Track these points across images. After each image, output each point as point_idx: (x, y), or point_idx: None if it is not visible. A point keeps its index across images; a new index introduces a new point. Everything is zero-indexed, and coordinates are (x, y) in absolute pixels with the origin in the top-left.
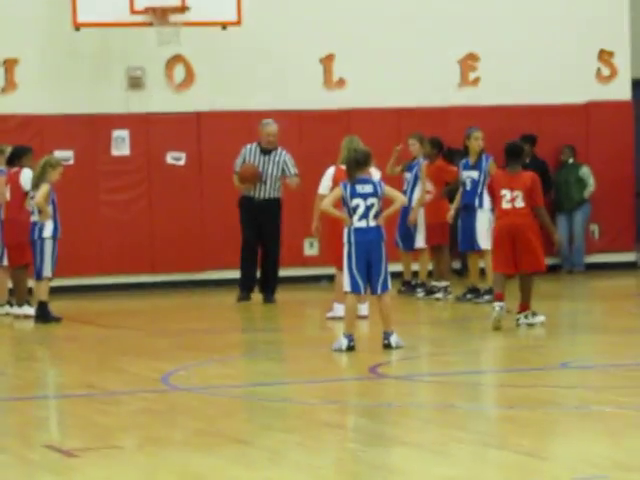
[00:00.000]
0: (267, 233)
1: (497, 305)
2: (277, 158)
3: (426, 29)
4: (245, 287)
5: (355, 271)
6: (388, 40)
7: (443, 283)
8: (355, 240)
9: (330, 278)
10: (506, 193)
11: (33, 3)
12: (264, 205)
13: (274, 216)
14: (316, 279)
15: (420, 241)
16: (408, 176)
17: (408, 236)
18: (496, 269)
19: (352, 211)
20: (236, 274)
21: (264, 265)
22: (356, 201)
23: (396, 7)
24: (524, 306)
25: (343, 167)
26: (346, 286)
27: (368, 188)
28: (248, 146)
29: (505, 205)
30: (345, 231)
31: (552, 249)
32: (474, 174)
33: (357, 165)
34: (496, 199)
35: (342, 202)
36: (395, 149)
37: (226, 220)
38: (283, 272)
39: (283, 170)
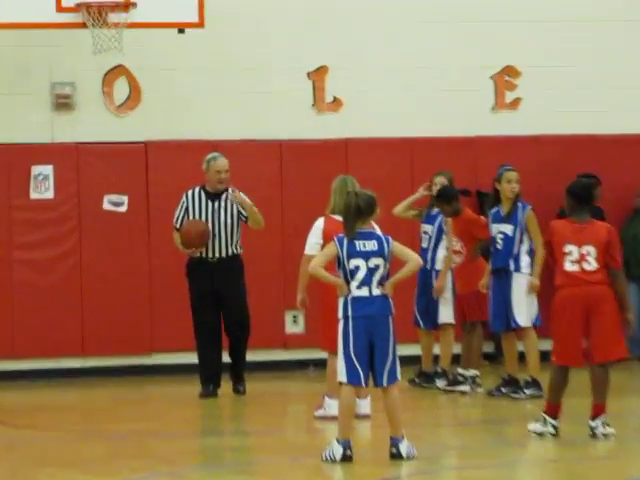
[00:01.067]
0: (229, 303)
1: (550, 423)
2: (228, 202)
3: (449, 34)
4: (208, 379)
5: (353, 355)
6: (397, 49)
7: (471, 372)
8: (353, 314)
9: (320, 364)
10: (572, 250)
11: None
12: (220, 267)
13: (235, 279)
14: (302, 365)
15: (446, 316)
16: (428, 229)
17: (429, 310)
18: (558, 361)
19: (350, 275)
20: (194, 358)
21: (230, 344)
22: (355, 262)
23: (408, 7)
24: (599, 408)
25: (335, 217)
26: (341, 375)
27: (371, 245)
28: (189, 192)
29: (570, 267)
30: (340, 302)
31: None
32: (507, 228)
33: (358, 214)
34: (557, 259)
35: (337, 263)
36: (420, 191)
37: (181, 286)
38: (258, 355)
39: (239, 215)
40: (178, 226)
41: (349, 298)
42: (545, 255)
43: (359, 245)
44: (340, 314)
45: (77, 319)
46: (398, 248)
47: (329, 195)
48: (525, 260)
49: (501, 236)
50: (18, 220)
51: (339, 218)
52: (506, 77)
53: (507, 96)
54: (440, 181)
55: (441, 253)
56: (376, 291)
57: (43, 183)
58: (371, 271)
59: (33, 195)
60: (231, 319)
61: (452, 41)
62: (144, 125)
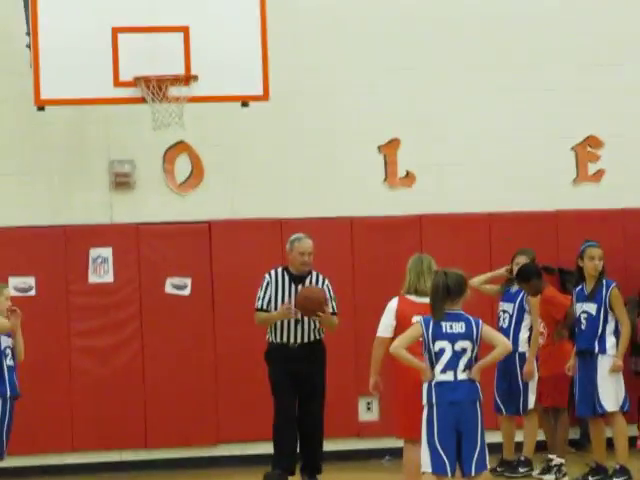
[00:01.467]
0: (308, 391)
1: None
2: (312, 286)
3: (527, 104)
4: (281, 465)
5: (438, 444)
6: (472, 119)
7: (557, 460)
8: (438, 400)
9: (395, 453)
10: None
11: None
12: (303, 353)
13: (317, 366)
14: (377, 454)
15: (531, 401)
16: (508, 307)
17: (511, 395)
18: None
19: (434, 358)
20: (261, 449)
21: (304, 435)
22: (440, 344)
23: (484, 77)
24: None
25: (410, 297)
26: (425, 465)
27: (459, 327)
28: (272, 272)
29: None
30: (424, 387)
31: None
32: (591, 307)
33: (447, 294)
34: None
35: (423, 346)
36: (501, 271)
37: (248, 373)
38: (330, 445)
39: None
40: (260, 307)
41: (433, 383)
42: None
43: (445, 327)
44: (424, 400)
45: (139, 409)
46: (488, 331)
47: (403, 274)
48: (611, 341)
49: (585, 316)
50: (76, 305)
51: (413, 298)
52: (588, 148)
53: (590, 168)
54: (520, 261)
55: (524, 334)
56: (462, 375)
57: (102, 266)
58: (457, 354)
59: (92, 279)
60: (311, 407)
61: (531, 111)
62: (207, 204)
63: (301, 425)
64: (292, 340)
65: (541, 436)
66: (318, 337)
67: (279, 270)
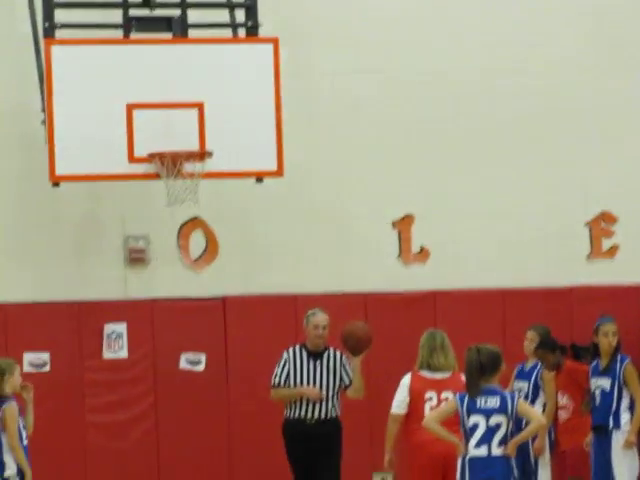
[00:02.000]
0: (324, 466)
1: None
2: (331, 362)
3: (539, 179)
4: None
5: None
6: (486, 196)
7: None
8: (471, 476)
9: None
10: None
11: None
12: (320, 429)
13: (333, 443)
14: None
15: (545, 476)
16: (523, 385)
17: (525, 470)
18: None
19: (469, 433)
20: None
21: None
22: (475, 419)
23: (499, 154)
24: None
25: (422, 373)
26: None
27: (493, 402)
28: (290, 349)
29: None
30: (459, 463)
31: None
32: (605, 382)
33: (481, 371)
34: None
35: (460, 422)
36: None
37: (262, 450)
38: None
39: (341, 378)
40: (277, 384)
41: (467, 459)
42: None
43: (480, 402)
44: (458, 476)
45: None
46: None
47: (417, 350)
48: (625, 417)
49: (599, 391)
50: (90, 381)
51: (426, 374)
52: (602, 224)
53: (604, 243)
54: (531, 336)
55: (538, 410)
56: (496, 451)
57: (117, 342)
58: (491, 430)
59: (106, 355)
60: None
61: (544, 186)
62: (222, 280)
63: None
64: (309, 416)
65: None
66: (334, 414)
67: (297, 347)
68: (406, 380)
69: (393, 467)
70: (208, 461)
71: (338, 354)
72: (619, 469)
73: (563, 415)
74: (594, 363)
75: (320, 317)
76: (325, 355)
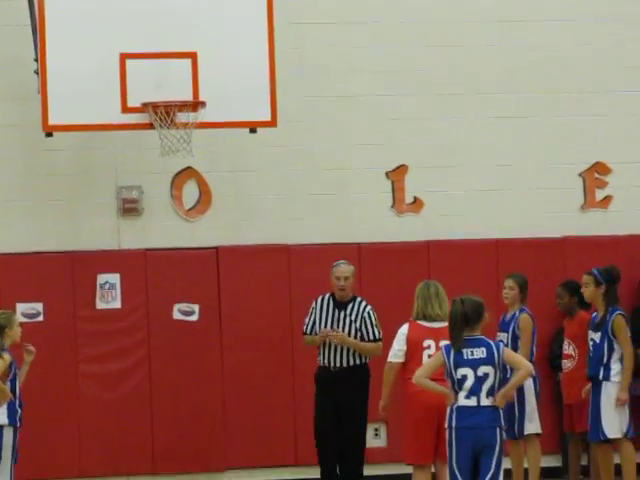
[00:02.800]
0: (347, 414)
1: None
2: (354, 312)
3: (533, 131)
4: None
5: (455, 467)
6: (480, 146)
7: None
8: (457, 424)
9: (404, 479)
10: None
11: None
12: (343, 376)
13: (358, 390)
14: None
15: (531, 426)
16: (503, 336)
17: (510, 419)
18: None
19: (457, 385)
20: (270, 475)
21: (343, 456)
22: (463, 371)
23: (488, 105)
24: None
25: (420, 323)
26: None
27: (480, 352)
28: (319, 298)
29: None
30: (447, 412)
31: None
32: (597, 335)
33: (465, 322)
34: None
35: (445, 372)
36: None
37: (255, 398)
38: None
39: (360, 329)
40: (304, 332)
41: (454, 407)
42: None
43: (466, 353)
44: (446, 424)
45: (147, 435)
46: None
47: (411, 300)
48: (616, 368)
49: (592, 343)
50: (84, 331)
51: (423, 323)
52: (596, 174)
53: (597, 194)
54: (508, 284)
55: None
56: (485, 401)
57: (110, 292)
58: (480, 380)
59: (99, 305)
60: (346, 431)
61: (539, 137)
62: (215, 230)
63: (341, 446)
64: (332, 364)
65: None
66: (359, 362)
67: (326, 296)
68: (404, 329)
69: (387, 414)
70: (202, 411)
71: (362, 306)
72: (607, 419)
73: (567, 364)
74: (593, 315)
75: (341, 268)
76: (350, 305)
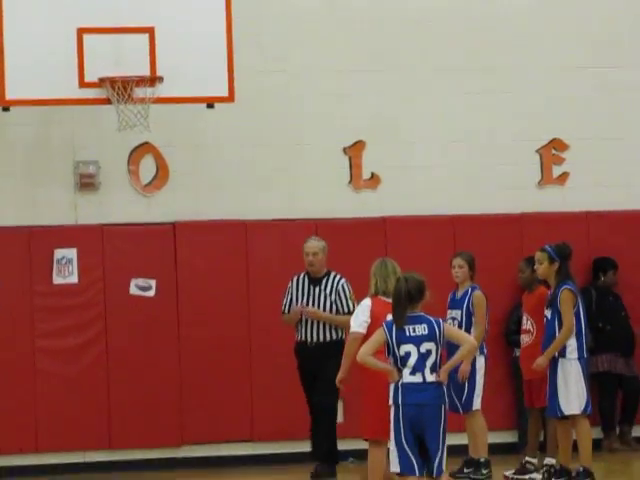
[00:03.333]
0: (321, 385)
1: None
2: (328, 287)
3: (492, 106)
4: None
5: (405, 444)
6: (438, 122)
7: (548, 460)
8: (404, 401)
9: (360, 455)
10: None
11: None
12: (319, 351)
13: (331, 362)
14: (341, 456)
15: (475, 402)
16: (456, 314)
17: (456, 393)
18: None
19: (401, 362)
20: (225, 450)
21: (316, 425)
22: (406, 348)
23: (449, 79)
24: None
25: (382, 298)
26: (394, 465)
27: (421, 329)
28: (295, 277)
29: None
30: (391, 388)
31: None
32: (548, 312)
33: (409, 299)
34: None
35: (386, 350)
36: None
37: (211, 373)
38: (293, 446)
39: (335, 303)
40: (283, 311)
41: (400, 384)
42: None
43: (409, 330)
44: (391, 401)
45: (103, 410)
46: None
47: (368, 275)
48: (572, 344)
49: (545, 320)
50: (40, 306)
51: (385, 299)
52: (553, 150)
53: (554, 170)
54: (458, 263)
55: (473, 334)
56: (430, 378)
57: (66, 267)
58: (423, 356)
59: (56, 280)
60: (318, 401)
61: (496, 113)
62: (172, 205)
63: (315, 417)
64: (309, 339)
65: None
66: (335, 337)
67: (301, 275)
68: (367, 302)
69: (344, 384)
70: (158, 386)
71: (336, 280)
72: (565, 396)
73: (525, 339)
74: (549, 292)
75: (309, 244)
76: (324, 280)
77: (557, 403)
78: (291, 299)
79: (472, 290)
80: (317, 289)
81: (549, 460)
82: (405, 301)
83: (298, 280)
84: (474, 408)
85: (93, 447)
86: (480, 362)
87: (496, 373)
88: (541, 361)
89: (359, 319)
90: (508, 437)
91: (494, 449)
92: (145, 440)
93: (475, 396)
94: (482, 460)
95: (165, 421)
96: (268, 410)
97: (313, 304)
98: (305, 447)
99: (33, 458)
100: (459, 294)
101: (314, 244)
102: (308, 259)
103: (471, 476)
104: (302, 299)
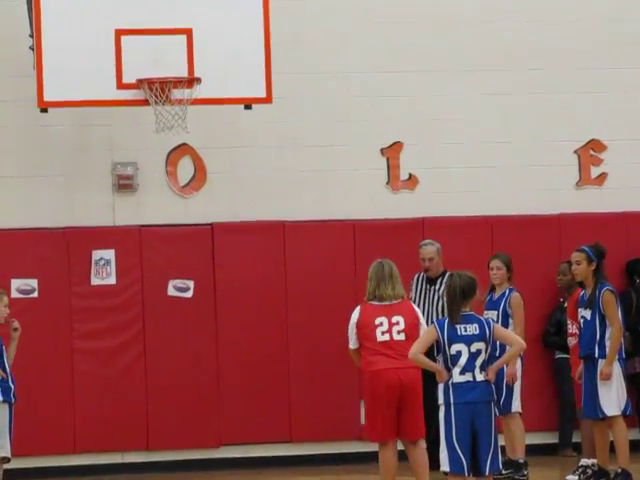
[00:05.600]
0: None
1: None
2: (442, 287)
3: (530, 108)
4: None
5: (456, 443)
6: (476, 122)
7: (587, 461)
8: (455, 400)
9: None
10: None
11: None
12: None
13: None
14: (377, 457)
15: (515, 405)
16: (492, 314)
17: (499, 396)
18: None
19: (451, 361)
20: (263, 451)
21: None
22: (457, 347)
23: (487, 81)
24: None
25: (373, 303)
26: (444, 465)
27: (472, 329)
28: (416, 275)
29: None
30: (440, 388)
31: None
32: (587, 313)
33: (462, 296)
34: None
35: (436, 348)
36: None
37: (250, 376)
38: (332, 447)
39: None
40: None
41: (450, 384)
42: None
43: (460, 329)
44: (440, 400)
45: (141, 411)
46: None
47: (406, 276)
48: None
49: (582, 321)
50: (78, 308)
51: (376, 303)
52: (591, 151)
53: (592, 171)
54: (496, 265)
55: None
56: (479, 377)
57: (104, 269)
58: (473, 356)
59: (94, 281)
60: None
61: (534, 115)
62: (210, 206)
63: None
64: None
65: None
66: None
67: (421, 273)
68: (354, 317)
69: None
70: (196, 388)
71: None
72: (605, 397)
73: (572, 342)
74: (582, 293)
75: (424, 250)
76: (439, 280)
77: (597, 404)
78: (412, 297)
79: (510, 292)
80: (432, 289)
81: (584, 461)
82: (459, 298)
83: (418, 279)
84: (513, 410)
85: (131, 448)
86: (517, 364)
87: (534, 375)
88: (607, 369)
89: (350, 336)
90: (547, 438)
91: (532, 450)
92: (183, 441)
93: (513, 399)
94: (521, 461)
95: (203, 422)
96: (306, 411)
97: (427, 302)
98: (342, 448)
99: (71, 459)
100: (496, 295)
101: (429, 249)
102: (424, 265)
103: (514, 476)
104: (418, 299)
